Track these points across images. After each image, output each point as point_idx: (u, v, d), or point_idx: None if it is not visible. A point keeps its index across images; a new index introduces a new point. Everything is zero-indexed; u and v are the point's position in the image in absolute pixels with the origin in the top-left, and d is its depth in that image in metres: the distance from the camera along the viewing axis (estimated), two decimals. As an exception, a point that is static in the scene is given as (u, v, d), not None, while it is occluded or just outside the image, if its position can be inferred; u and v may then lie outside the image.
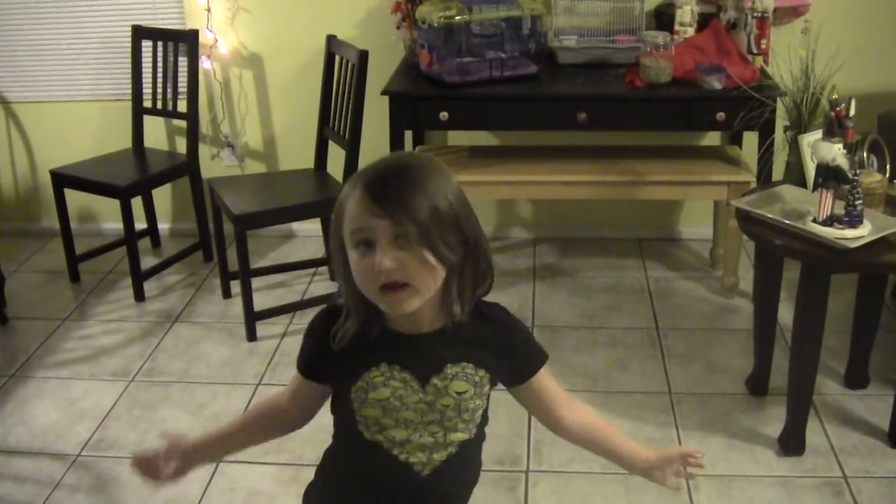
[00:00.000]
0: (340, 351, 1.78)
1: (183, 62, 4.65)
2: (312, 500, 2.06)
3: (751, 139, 4.30)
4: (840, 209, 2.99)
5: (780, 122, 3.62)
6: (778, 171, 3.78)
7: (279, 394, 1.98)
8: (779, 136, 3.75)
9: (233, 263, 4.32)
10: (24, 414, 3.72)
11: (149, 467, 1.95)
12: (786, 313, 3.62)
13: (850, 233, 2.96)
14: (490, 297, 1.86)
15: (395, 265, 1.64)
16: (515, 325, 1.91)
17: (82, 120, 5.12)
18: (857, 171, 2.98)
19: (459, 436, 1.84)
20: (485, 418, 1.91)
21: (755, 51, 4.19)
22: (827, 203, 2.99)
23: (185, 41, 4.61)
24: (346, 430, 1.86)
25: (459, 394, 1.79)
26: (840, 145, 3.01)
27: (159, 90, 4.79)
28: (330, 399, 1.92)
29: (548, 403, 2.01)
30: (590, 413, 2.06)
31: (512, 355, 1.88)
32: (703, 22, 4.34)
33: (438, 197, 1.66)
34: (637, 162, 4.34)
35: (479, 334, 1.82)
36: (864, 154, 3.31)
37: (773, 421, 3.49)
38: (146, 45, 4.78)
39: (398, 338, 1.78)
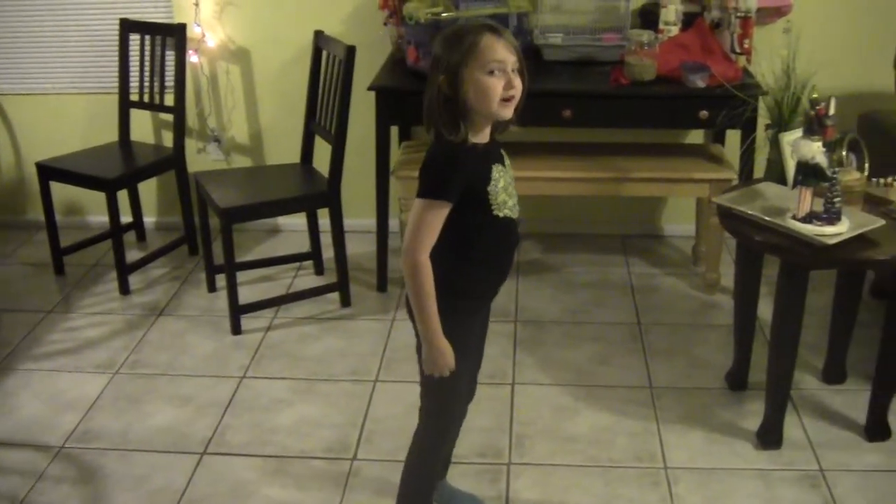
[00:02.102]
0: (471, 169, 2.42)
1: (170, 56, 4.67)
2: (460, 298, 2.59)
3: (733, 137, 4.34)
4: (819, 206, 3.02)
5: (762, 120, 3.65)
6: (760, 169, 3.81)
7: (428, 244, 2.42)
8: (760, 134, 3.79)
9: (218, 257, 4.35)
10: (8, 405, 3.74)
11: None
12: (766, 309, 3.66)
13: (828, 230, 2.99)
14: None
15: (518, 85, 2.40)
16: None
17: (69, 113, 5.14)
18: (836, 170, 3.02)
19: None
20: None
21: (738, 50, 4.23)
22: (806, 200, 3.03)
23: (173, 35, 4.63)
24: (481, 222, 2.48)
25: (509, 167, 2.59)
26: (820, 144, 3.05)
27: (146, 84, 4.81)
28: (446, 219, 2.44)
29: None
30: None
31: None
32: (688, 21, 4.38)
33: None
34: (621, 159, 4.37)
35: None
36: (844, 152, 3.35)
37: (752, 415, 3.53)
38: (133, 39, 4.80)
39: (487, 147, 2.48)
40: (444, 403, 2.73)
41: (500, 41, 2.36)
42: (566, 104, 4.11)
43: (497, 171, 2.48)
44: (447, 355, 2.51)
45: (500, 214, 2.50)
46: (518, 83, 2.39)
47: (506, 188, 2.50)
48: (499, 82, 2.35)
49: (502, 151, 2.57)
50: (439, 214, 2.40)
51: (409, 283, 2.45)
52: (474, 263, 2.56)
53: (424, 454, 2.81)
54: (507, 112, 2.41)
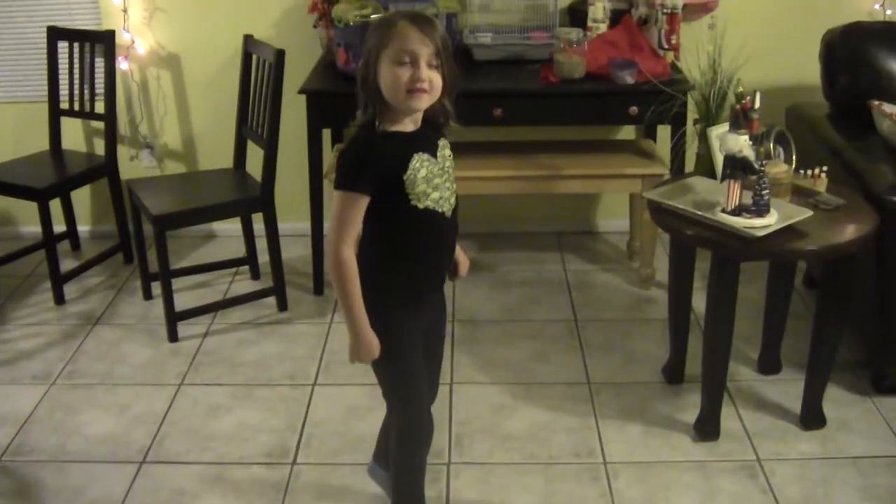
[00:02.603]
0: (384, 158, 2.40)
1: (100, 63, 4.63)
2: (387, 292, 2.58)
3: (665, 133, 4.38)
4: (748, 199, 3.06)
5: (692, 115, 3.69)
6: (691, 164, 3.85)
7: (350, 237, 2.43)
8: (690, 129, 3.83)
9: (154, 265, 4.31)
10: (-57, 420, 3.70)
11: None
12: (700, 303, 3.69)
13: (757, 222, 3.02)
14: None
15: (427, 78, 2.35)
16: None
17: (-2, 122, 5.08)
18: (764, 162, 3.05)
19: (454, 185, 2.58)
20: None
21: (666, 46, 4.28)
22: (735, 193, 3.06)
23: (102, 42, 4.59)
24: (399, 213, 2.45)
25: (447, 155, 2.56)
26: (746, 137, 3.08)
27: (76, 91, 4.77)
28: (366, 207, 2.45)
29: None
30: None
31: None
32: (616, 18, 4.42)
33: (446, 35, 2.42)
34: (553, 156, 4.39)
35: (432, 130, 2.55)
36: (771, 145, 3.38)
37: (690, 407, 3.56)
38: (62, 46, 4.75)
39: (412, 136, 2.45)
40: (402, 397, 2.74)
41: (414, 30, 2.34)
42: (497, 103, 4.12)
43: (418, 159, 2.44)
44: (371, 346, 2.52)
45: (420, 206, 2.46)
46: (428, 76, 2.35)
47: (428, 179, 2.46)
48: (405, 72, 2.33)
49: (440, 143, 2.54)
50: (356, 206, 2.40)
51: (332, 277, 2.46)
52: (398, 257, 2.54)
53: (404, 450, 2.84)
54: (417, 104, 2.38)
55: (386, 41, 2.35)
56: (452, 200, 2.57)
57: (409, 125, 2.46)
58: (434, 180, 2.49)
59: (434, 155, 2.50)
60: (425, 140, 2.50)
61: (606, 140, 4.81)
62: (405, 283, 2.60)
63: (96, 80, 4.70)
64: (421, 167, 2.44)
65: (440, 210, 2.52)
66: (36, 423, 3.64)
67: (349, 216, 2.41)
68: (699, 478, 3.24)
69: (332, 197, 2.42)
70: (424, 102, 2.39)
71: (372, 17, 4.08)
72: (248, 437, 3.52)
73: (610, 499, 3.15)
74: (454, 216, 2.60)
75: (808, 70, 4.47)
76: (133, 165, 5.08)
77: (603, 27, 4.37)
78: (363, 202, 2.41)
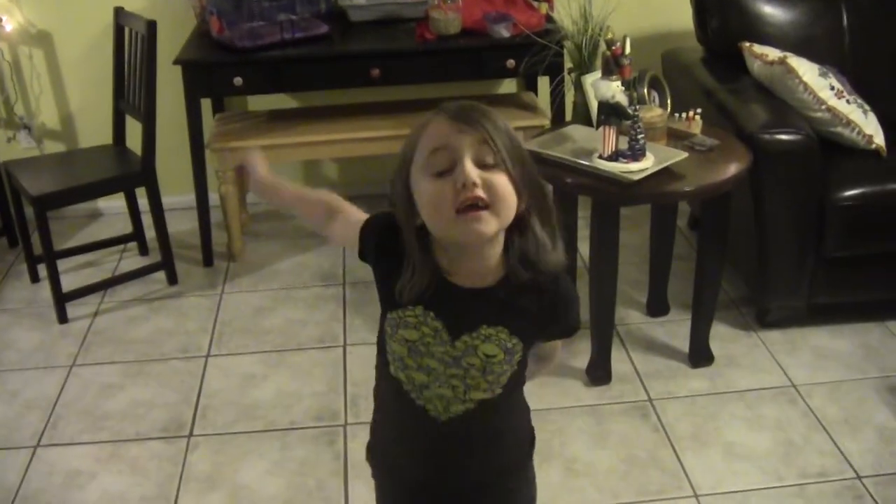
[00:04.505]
0: (393, 271, 1.71)
1: (-33, 44, 4.53)
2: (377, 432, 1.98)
3: (545, 85, 4.40)
4: (624, 144, 3.10)
5: (567, 65, 3.72)
6: (570, 114, 3.88)
7: (343, 210, 1.97)
8: (567, 79, 3.86)
9: (38, 247, 4.23)
10: None
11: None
12: (586, 249, 3.74)
13: (633, 166, 3.07)
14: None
15: (480, 181, 1.59)
16: (569, 304, 1.81)
17: None
18: (637, 107, 3.10)
19: (480, 395, 1.74)
20: (514, 381, 1.79)
21: (540, -2, 4.30)
22: (610, 139, 3.10)
23: (-33, 23, 4.48)
24: (381, 353, 1.81)
25: (488, 356, 1.71)
26: (618, 83, 3.13)
27: (-55, 75, 4.66)
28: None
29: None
30: None
31: (551, 326, 1.81)
32: (489, -28, 4.42)
33: (510, 129, 1.67)
34: (435, 114, 4.39)
35: (526, 304, 1.72)
36: (645, 90, 3.43)
37: (581, 354, 3.60)
38: (-74, 29, 4.63)
39: (445, 286, 1.69)
40: None
41: (452, 121, 1.63)
42: (374, 64, 4.11)
43: (412, 315, 1.72)
44: None
45: (391, 369, 1.77)
46: (483, 178, 1.59)
47: (417, 352, 1.72)
48: (441, 184, 1.60)
49: (481, 316, 1.71)
50: (355, 230, 1.87)
51: None
52: (377, 411, 1.96)
53: None
54: (472, 227, 1.59)
55: (414, 144, 1.67)
56: (458, 410, 1.76)
57: (460, 274, 1.70)
58: (425, 360, 1.73)
59: (452, 329, 1.71)
60: (457, 305, 1.71)
61: (488, 94, 4.82)
62: (376, 438, 2.00)
63: (-34, 62, 4.60)
64: (412, 323, 1.72)
65: (423, 405, 1.77)
66: (-76, 414, 3.58)
67: (349, 216, 1.94)
68: (592, 421, 3.31)
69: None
70: (487, 225, 1.60)
71: (243, -18, 4.05)
72: (143, 413, 3.50)
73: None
74: (466, 426, 1.78)
75: (680, 14, 4.52)
76: (11, 147, 4.97)
77: (476, -18, 4.38)
78: (354, 241, 1.86)
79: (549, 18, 4.25)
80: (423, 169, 1.63)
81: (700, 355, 3.58)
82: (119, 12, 4.33)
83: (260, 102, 4.80)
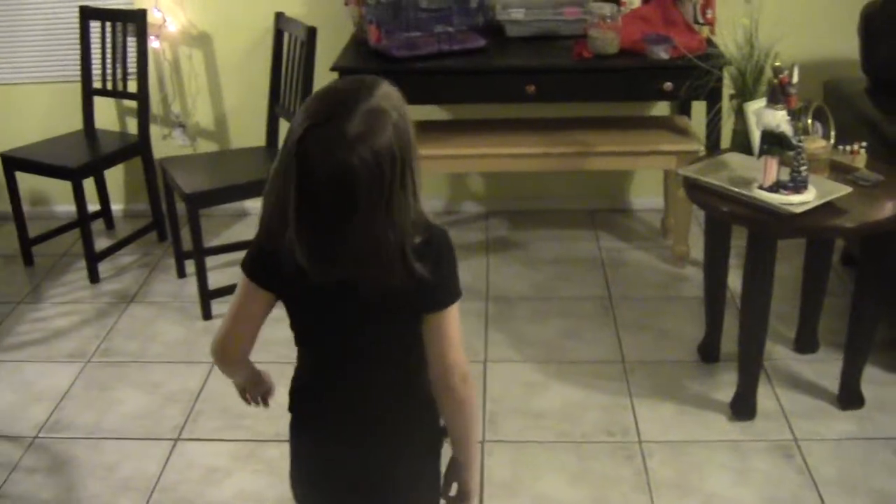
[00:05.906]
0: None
1: (132, 42, 4.63)
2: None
3: (699, 109, 4.33)
4: (785, 175, 3.02)
5: (727, 90, 3.65)
6: (726, 140, 3.81)
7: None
8: (725, 104, 3.79)
9: (187, 243, 4.31)
10: (-22, 397, 3.72)
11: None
12: (736, 280, 3.66)
13: (795, 198, 2.99)
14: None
15: None
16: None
17: (31, 103, 5.08)
18: (802, 138, 3.02)
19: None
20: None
21: (701, 20, 4.22)
22: (772, 169, 3.02)
23: (134, 21, 4.59)
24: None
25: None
26: (784, 112, 3.05)
27: (108, 71, 4.77)
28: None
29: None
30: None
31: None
32: (650, -7, 4.37)
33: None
34: (586, 133, 4.36)
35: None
36: (809, 121, 3.34)
37: (725, 386, 3.53)
38: (94, 26, 4.75)
39: None
40: None
41: None
42: (530, 80, 4.09)
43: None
44: None
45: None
46: None
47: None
48: None
49: None
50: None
51: (471, 405, 1.95)
52: None
53: None
54: None
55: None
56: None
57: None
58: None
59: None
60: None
61: (640, 116, 4.76)
62: None
63: (128, 60, 4.71)
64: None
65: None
66: (71, 400, 3.66)
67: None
68: (734, 458, 3.22)
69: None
70: None
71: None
72: (281, 414, 3.51)
73: (644, 477, 3.13)
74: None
75: (845, 44, 4.41)
76: (166, 144, 5.08)
77: (636, 2, 4.33)
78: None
79: (710, 42, 4.18)
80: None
81: (850, 397, 3.46)
82: (280, 17, 4.39)
83: (410, 113, 4.80)
